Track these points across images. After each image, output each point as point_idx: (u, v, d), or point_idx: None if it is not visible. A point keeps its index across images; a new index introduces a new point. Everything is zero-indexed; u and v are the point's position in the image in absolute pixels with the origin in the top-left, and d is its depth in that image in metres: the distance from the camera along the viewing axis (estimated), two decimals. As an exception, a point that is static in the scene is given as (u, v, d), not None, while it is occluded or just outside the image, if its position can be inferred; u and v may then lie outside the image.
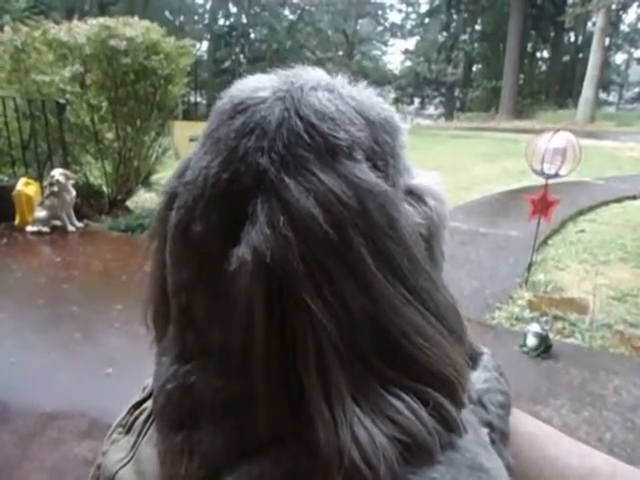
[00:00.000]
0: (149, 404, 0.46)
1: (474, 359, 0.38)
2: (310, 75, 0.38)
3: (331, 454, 0.29)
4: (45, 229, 4.81)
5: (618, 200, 7.27)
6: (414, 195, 0.40)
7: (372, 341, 0.31)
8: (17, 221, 4.90)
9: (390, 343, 0.32)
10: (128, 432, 0.48)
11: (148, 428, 0.46)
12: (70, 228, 4.93)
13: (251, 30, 32.82)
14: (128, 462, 0.44)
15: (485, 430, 0.43)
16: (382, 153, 0.37)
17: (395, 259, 0.33)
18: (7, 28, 5.57)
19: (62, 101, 5.36)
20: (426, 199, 0.40)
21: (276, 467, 0.31)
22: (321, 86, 0.37)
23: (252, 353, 0.31)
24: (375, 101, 0.39)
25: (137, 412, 0.49)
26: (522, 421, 0.52)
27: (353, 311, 0.31)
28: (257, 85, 0.37)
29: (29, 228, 4.81)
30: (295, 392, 0.30)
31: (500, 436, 0.46)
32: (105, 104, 5.57)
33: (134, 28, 5.52)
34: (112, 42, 5.27)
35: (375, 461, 0.28)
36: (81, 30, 5.46)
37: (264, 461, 0.31)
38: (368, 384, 0.31)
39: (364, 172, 0.34)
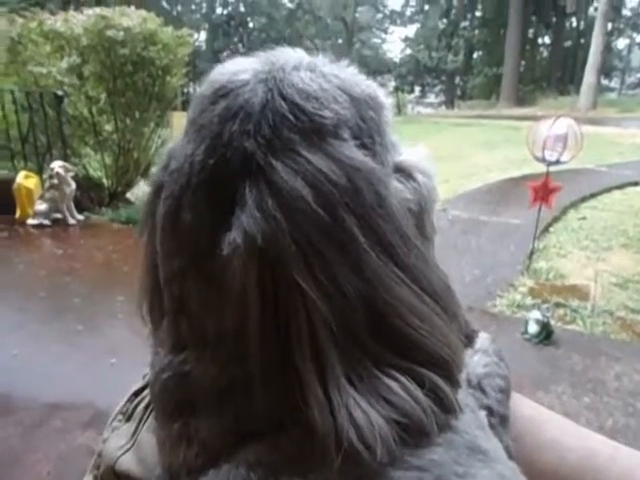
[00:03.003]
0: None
1: (469, 337, 0.38)
2: (291, 55, 0.38)
3: (329, 436, 0.28)
4: (46, 222, 4.82)
5: (620, 186, 7.23)
6: (402, 172, 0.39)
7: (366, 321, 0.31)
8: (18, 214, 4.90)
9: (384, 323, 0.31)
10: (129, 419, 0.48)
11: (148, 415, 0.46)
12: (71, 221, 4.93)
13: (249, 19, 32.54)
14: (129, 449, 0.45)
15: (483, 413, 0.42)
16: (368, 130, 0.36)
17: (386, 237, 0.32)
18: (3, 20, 5.53)
19: (60, 93, 5.34)
20: (415, 175, 0.40)
21: (273, 451, 0.31)
22: (303, 66, 0.36)
23: (247, 338, 0.31)
24: (358, 78, 0.38)
25: (137, 399, 0.49)
26: (521, 405, 0.52)
27: (346, 291, 0.30)
28: (238, 68, 0.36)
29: (30, 221, 4.81)
30: (291, 376, 0.30)
31: (499, 420, 0.46)
32: (103, 95, 5.53)
33: (131, 18, 5.46)
34: (109, 32, 5.22)
35: (373, 442, 0.28)
36: (78, 21, 5.41)
37: (261, 446, 0.31)
38: (363, 365, 0.31)
39: (351, 150, 0.33)
